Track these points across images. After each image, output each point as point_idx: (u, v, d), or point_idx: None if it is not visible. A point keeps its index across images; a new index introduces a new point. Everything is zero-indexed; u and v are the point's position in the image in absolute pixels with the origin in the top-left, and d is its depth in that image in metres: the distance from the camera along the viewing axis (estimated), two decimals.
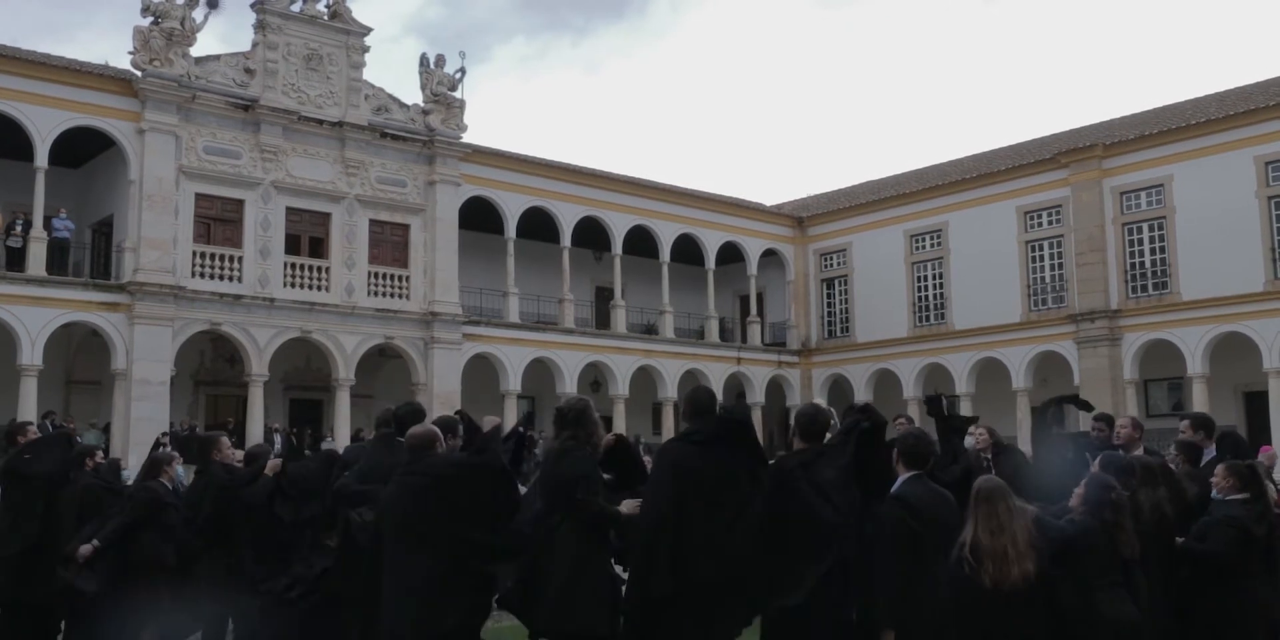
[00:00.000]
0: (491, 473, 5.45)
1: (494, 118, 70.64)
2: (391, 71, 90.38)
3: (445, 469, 5.47)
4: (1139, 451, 7.89)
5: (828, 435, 5.45)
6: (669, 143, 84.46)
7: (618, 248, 30.62)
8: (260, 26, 24.90)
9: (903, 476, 5.28)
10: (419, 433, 5.73)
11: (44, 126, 22.02)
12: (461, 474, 5.44)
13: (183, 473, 8.92)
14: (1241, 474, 6.19)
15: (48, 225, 22.26)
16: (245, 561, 6.75)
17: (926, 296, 31.58)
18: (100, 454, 7.69)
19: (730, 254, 33.54)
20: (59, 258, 22.56)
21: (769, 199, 38.81)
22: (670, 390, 30.76)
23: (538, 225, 29.42)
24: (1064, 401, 7.99)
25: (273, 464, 6.94)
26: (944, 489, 5.30)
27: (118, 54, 72.29)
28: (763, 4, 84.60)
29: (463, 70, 27.97)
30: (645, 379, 30.84)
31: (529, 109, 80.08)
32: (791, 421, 5.75)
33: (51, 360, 22.24)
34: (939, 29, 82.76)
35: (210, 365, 26.58)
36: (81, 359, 24.55)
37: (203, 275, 23.50)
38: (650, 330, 32.22)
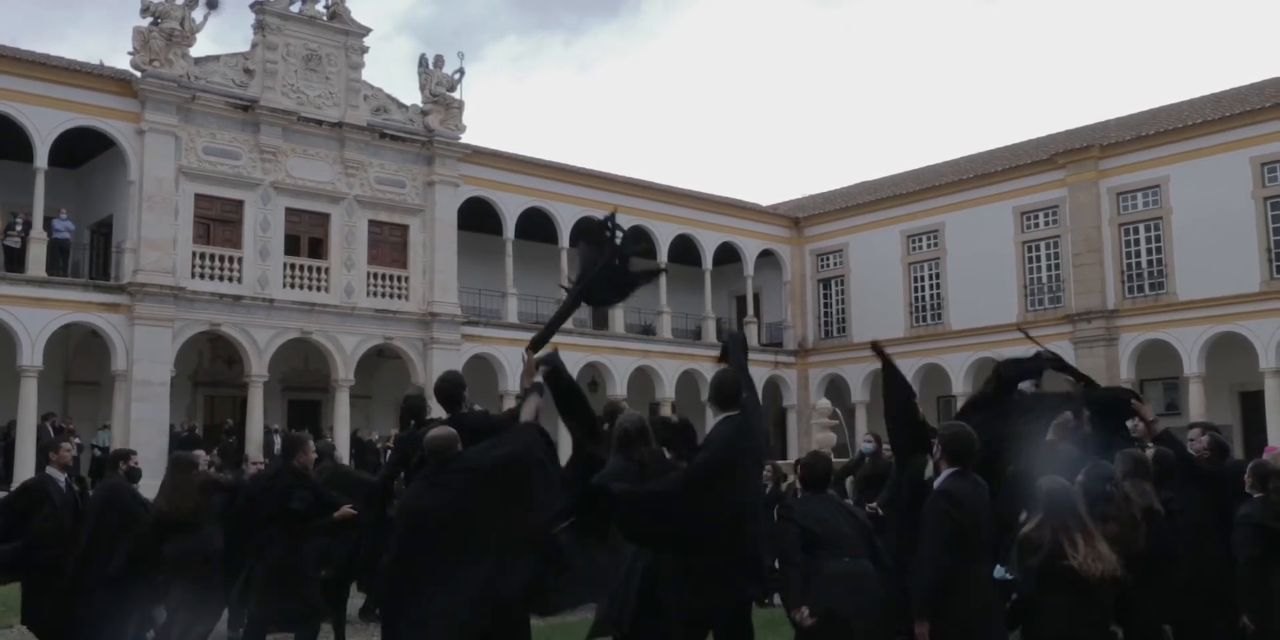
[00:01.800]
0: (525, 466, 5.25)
1: (487, 117, 70.68)
2: (384, 70, 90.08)
3: (481, 466, 5.23)
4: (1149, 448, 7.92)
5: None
6: (664, 143, 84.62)
7: None
8: (259, 27, 24.88)
9: (945, 472, 5.15)
10: (441, 434, 5.33)
11: (43, 127, 21.97)
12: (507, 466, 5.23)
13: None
14: (1259, 474, 6.29)
15: (47, 226, 22.20)
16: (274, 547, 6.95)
17: (923, 297, 31.67)
18: (135, 458, 7.71)
19: (727, 254, 33.60)
20: (59, 258, 22.52)
21: (765, 199, 39.00)
22: (668, 390, 30.81)
23: (536, 226, 29.45)
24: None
25: (343, 511, 7.08)
26: (983, 482, 5.24)
27: (107, 51, 72.21)
28: (758, 2, 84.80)
29: (461, 71, 28.02)
30: (643, 379, 30.88)
31: (522, 108, 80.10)
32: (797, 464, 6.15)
33: (50, 361, 22.18)
34: (936, 29, 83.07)
35: (209, 366, 26.55)
36: (80, 360, 24.50)
37: (202, 276, 23.48)
38: (648, 331, 32.27)
